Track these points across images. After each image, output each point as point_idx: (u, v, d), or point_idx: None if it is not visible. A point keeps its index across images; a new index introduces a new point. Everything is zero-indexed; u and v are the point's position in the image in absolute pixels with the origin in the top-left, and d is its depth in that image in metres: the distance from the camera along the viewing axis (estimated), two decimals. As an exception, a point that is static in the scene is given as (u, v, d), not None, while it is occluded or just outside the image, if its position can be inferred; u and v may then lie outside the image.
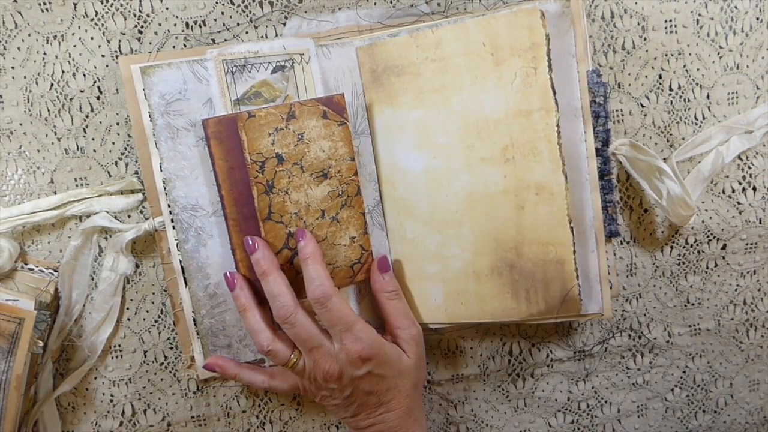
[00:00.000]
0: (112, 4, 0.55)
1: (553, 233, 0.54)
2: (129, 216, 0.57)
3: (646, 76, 0.60)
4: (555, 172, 0.53)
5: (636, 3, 0.59)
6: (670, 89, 0.60)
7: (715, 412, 0.68)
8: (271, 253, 0.53)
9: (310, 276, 0.52)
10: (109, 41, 0.55)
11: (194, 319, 0.56)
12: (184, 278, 0.56)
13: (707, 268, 0.64)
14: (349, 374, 0.53)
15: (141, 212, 0.57)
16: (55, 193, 0.57)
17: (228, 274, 0.54)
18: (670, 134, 0.61)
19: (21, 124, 0.56)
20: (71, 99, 0.56)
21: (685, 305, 0.65)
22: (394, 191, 0.59)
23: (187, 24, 0.56)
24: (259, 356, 0.58)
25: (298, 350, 0.54)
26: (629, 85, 0.60)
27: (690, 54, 0.60)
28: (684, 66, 0.60)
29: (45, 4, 0.54)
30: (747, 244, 0.64)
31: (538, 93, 0.52)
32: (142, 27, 0.55)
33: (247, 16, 0.57)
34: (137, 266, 0.58)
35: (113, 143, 0.57)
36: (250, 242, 0.53)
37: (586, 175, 0.56)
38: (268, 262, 0.52)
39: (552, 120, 0.52)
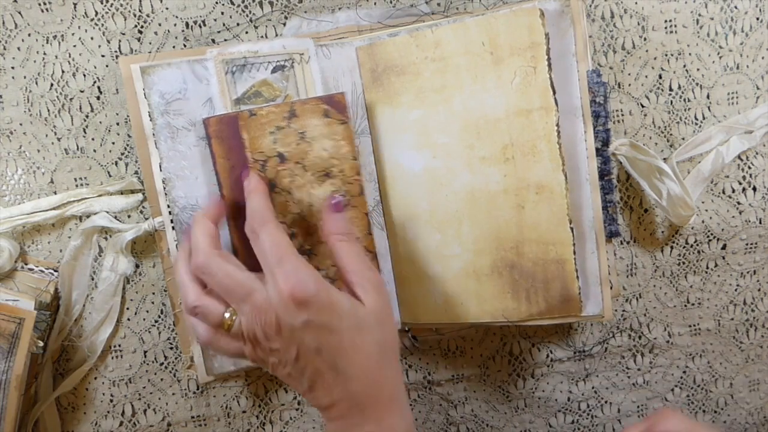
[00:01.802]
0: (112, 4, 0.55)
1: (553, 232, 0.54)
2: (129, 216, 0.57)
3: (646, 76, 0.60)
4: (555, 171, 0.53)
5: (636, 3, 0.59)
6: (670, 89, 0.61)
7: (715, 412, 0.68)
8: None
9: (251, 207, 0.47)
10: (109, 41, 0.55)
11: (194, 320, 0.56)
12: (184, 278, 0.56)
13: (707, 268, 0.64)
14: (288, 323, 0.42)
15: (141, 212, 0.57)
16: (55, 193, 0.56)
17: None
18: (670, 134, 0.61)
19: (21, 124, 0.55)
20: (71, 99, 0.56)
21: (685, 305, 0.65)
22: (393, 191, 0.59)
23: (187, 24, 0.56)
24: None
25: (233, 307, 0.45)
26: (629, 85, 0.60)
27: (690, 54, 0.60)
28: (684, 66, 0.60)
29: (45, 4, 0.54)
30: (747, 244, 0.64)
31: (538, 92, 0.52)
32: (142, 27, 0.55)
33: (247, 16, 0.57)
34: (137, 266, 0.58)
35: (113, 143, 0.57)
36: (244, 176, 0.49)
37: (586, 175, 0.56)
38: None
39: (552, 119, 0.52)
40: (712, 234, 0.63)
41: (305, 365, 0.44)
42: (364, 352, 0.44)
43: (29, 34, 0.55)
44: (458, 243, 0.57)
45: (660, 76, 0.60)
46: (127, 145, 0.57)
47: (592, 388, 0.66)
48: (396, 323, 0.56)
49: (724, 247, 0.64)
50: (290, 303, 0.42)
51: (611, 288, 0.59)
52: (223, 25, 0.56)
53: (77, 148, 0.56)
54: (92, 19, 0.55)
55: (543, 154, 0.53)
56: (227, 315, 0.44)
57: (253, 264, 0.53)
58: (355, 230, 0.54)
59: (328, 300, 0.43)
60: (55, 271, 0.57)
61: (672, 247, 0.63)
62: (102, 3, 0.55)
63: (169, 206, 0.54)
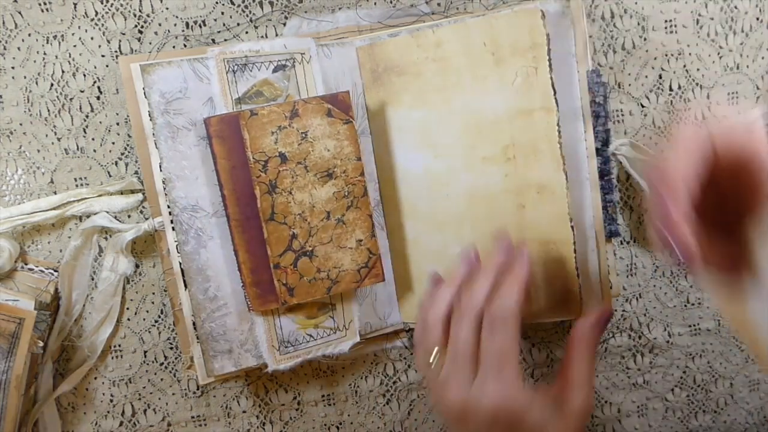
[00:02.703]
0: (112, 4, 0.55)
1: (554, 231, 0.54)
2: (129, 216, 0.57)
3: (646, 76, 0.60)
4: (556, 171, 0.53)
5: (636, 3, 0.59)
6: (670, 89, 0.61)
7: (715, 412, 0.68)
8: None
9: (507, 293, 0.46)
10: (109, 41, 0.55)
11: (194, 323, 0.56)
12: (184, 281, 0.55)
13: (707, 267, 0.64)
14: (473, 422, 0.45)
15: (141, 212, 0.57)
16: (55, 193, 0.56)
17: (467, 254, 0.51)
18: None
19: (21, 124, 0.55)
20: (71, 99, 0.56)
21: (685, 305, 0.65)
22: (394, 191, 0.59)
23: (187, 24, 0.56)
24: (261, 362, 0.58)
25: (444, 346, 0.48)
26: (629, 85, 0.60)
27: (690, 54, 0.60)
28: (684, 66, 0.60)
29: (45, 4, 0.54)
30: (747, 244, 0.64)
31: (539, 92, 0.52)
32: (142, 27, 0.55)
33: (247, 16, 0.57)
34: (137, 266, 0.58)
35: (113, 143, 0.57)
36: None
37: (586, 174, 0.56)
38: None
39: (553, 119, 0.52)
40: (712, 234, 0.63)
41: None
42: None
43: (29, 34, 0.55)
44: (459, 243, 0.57)
45: (660, 76, 0.60)
46: (127, 145, 0.57)
47: (592, 388, 0.66)
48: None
49: (724, 247, 0.64)
50: (489, 414, 0.43)
51: (611, 288, 0.59)
52: (224, 25, 0.56)
53: (77, 148, 0.56)
54: (92, 19, 0.55)
55: (544, 154, 0.53)
56: (436, 353, 0.47)
57: (252, 264, 0.53)
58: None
59: (522, 421, 0.44)
60: (55, 271, 0.57)
61: (672, 247, 0.63)
62: (102, 3, 0.55)
63: (169, 206, 0.54)
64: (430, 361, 0.48)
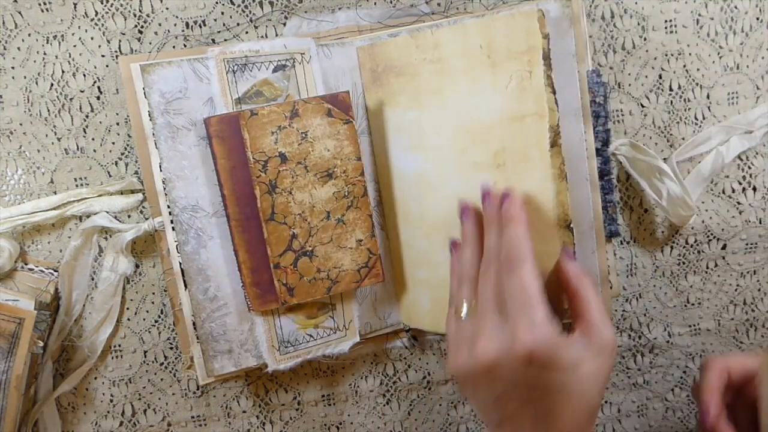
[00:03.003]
0: (112, 4, 0.55)
1: (540, 244, 0.50)
2: (129, 216, 0.57)
3: (646, 76, 0.60)
4: (545, 180, 0.51)
5: (636, 3, 0.59)
6: (670, 89, 0.61)
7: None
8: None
9: (511, 236, 0.46)
10: (109, 41, 0.55)
11: (194, 323, 0.56)
12: (184, 281, 0.55)
13: (707, 268, 0.64)
14: (509, 372, 0.43)
15: (141, 212, 0.57)
16: (55, 193, 0.56)
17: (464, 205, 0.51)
18: (670, 134, 0.61)
19: (21, 124, 0.55)
20: (71, 99, 0.56)
21: (685, 305, 0.65)
22: (389, 192, 0.59)
23: (187, 24, 0.56)
24: (261, 362, 0.58)
25: (476, 301, 0.47)
26: (629, 85, 0.60)
27: (690, 54, 0.60)
28: (684, 66, 0.60)
29: (45, 4, 0.54)
30: (747, 244, 0.64)
31: (533, 97, 0.51)
32: (142, 27, 0.55)
33: (247, 16, 0.57)
34: (137, 266, 0.58)
35: (113, 143, 0.57)
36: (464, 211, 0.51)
37: (586, 175, 0.56)
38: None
39: (544, 126, 0.50)
40: (712, 234, 0.63)
41: (504, 406, 0.44)
42: (573, 416, 0.43)
43: (29, 34, 0.55)
44: (444, 250, 0.56)
45: (660, 76, 0.60)
46: (127, 145, 0.57)
47: (592, 388, 0.66)
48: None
49: (724, 247, 0.64)
50: (521, 357, 0.42)
51: (611, 288, 0.59)
52: (224, 25, 0.56)
53: (77, 148, 0.56)
54: (92, 19, 0.55)
55: (534, 162, 0.51)
56: (465, 306, 0.47)
57: (252, 264, 0.53)
58: None
59: (558, 358, 0.42)
60: (55, 271, 0.57)
61: (672, 247, 0.63)
62: (102, 3, 0.55)
63: (169, 206, 0.54)
64: (462, 315, 0.47)
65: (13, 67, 0.55)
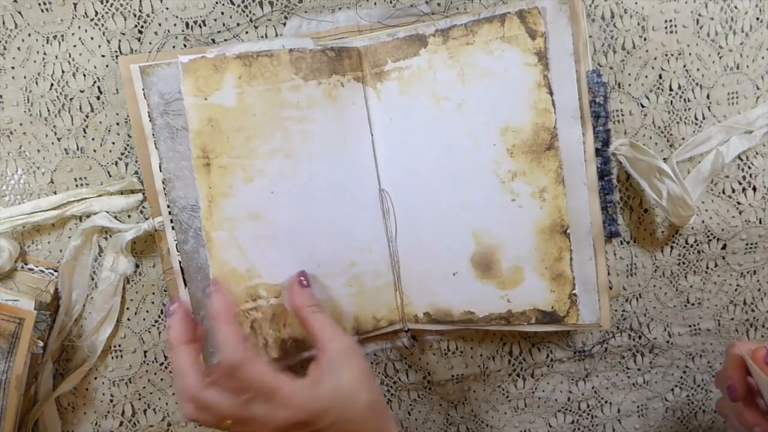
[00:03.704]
0: (112, 4, 0.55)
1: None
2: (129, 216, 0.57)
3: (646, 76, 0.60)
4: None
5: (636, 3, 0.59)
6: (670, 89, 0.60)
7: (715, 412, 0.68)
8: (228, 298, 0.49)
9: (217, 340, 0.47)
10: (109, 41, 0.55)
11: (194, 320, 0.56)
12: (184, 279, 0.55)
13: (707, 268, 0.64)
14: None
15: (141, 212, 0.57)
16: (55, 193, 0.56)
17: (169, 303, 0.51)
18: (670, 134, 0.61)
19: (21, 124, 0.55)
20: (71, 99, 0.56)
21: (685, 305, 0.65)
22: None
23: (187, 24, 0.56)
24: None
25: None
26: (629, 85, 0.60)
27: (690, 54, 0.60)
28: (684, 66, 0.60)
29: (45, 4, 0.54)
30: (747, 244, 0.64)
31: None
32: (142, 27, 0.55)
33: (247, 16, 0.57)
34: (137, 266, 0.58)
35: (113, 143, 0.57)
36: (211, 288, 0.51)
37: (583, 179, 0.55)
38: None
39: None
40: (712, 234, 0.63)
41: None
42: (362, 421, 0.47)
43: (29, 34, 0.55)
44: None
45: (660, 76, 0.60)
46: (127, 145, 0.57)
47: (592, 388, 0.66)
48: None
49: (724, 247, 0.64)
50: (292, 428, 0.45)
51: (611, 288, 0.59)
52: (223, 25, 0.56)
53: (77, 148, 0.56)
54: (92, 19, 0.55)
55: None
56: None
57: None
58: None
59: (331, 407, 0.45)
60: (55, 271, 0.57)
61: (672, 247, 0.63)
62: (102, 3, 0.55)
63: (169, 206, 0.54)
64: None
65: (13, 67, 0.55)
